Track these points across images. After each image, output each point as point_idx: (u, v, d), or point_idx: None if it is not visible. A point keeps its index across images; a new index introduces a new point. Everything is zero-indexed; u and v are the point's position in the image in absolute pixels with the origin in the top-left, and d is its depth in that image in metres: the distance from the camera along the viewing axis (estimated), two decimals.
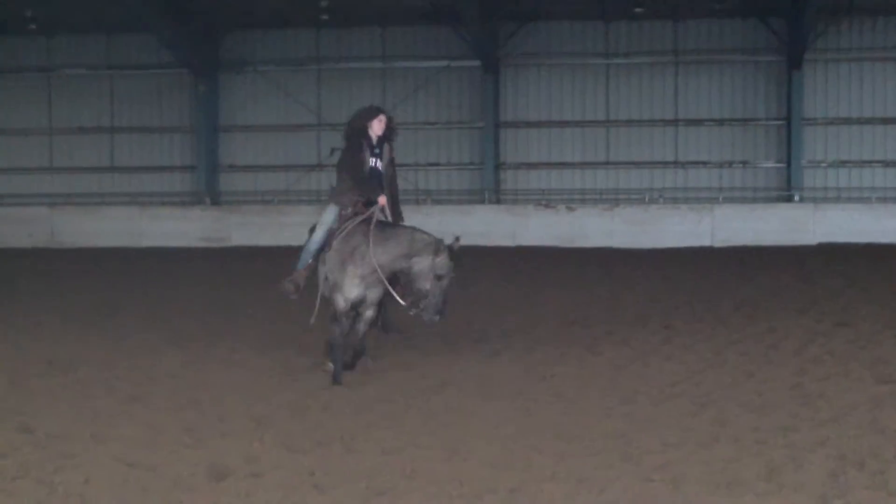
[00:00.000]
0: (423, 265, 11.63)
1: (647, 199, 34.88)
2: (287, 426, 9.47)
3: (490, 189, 36.18)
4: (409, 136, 36.94)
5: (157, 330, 15.63)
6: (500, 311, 17.78)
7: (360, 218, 11.91)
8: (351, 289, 11.73)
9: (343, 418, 9.77)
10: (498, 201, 36.11)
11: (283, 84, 37.81)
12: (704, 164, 35.85)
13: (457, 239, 11.83)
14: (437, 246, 11.66)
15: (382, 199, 12.10)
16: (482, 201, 35.84)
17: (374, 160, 12.35)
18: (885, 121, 35.46)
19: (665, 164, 35.96)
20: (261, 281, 22.55)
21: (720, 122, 36.04)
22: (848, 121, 35.39)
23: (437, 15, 35.20)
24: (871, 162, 35.49)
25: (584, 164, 36.30)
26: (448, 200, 36.12)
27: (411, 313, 11.90)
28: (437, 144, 37.25)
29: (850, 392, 10.81)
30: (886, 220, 32.49)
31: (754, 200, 34.34)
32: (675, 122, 36.17)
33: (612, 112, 36.62)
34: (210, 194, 37.20)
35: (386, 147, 12.65)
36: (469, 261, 26.71)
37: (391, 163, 12.74)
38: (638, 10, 34.88)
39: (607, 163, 36.36)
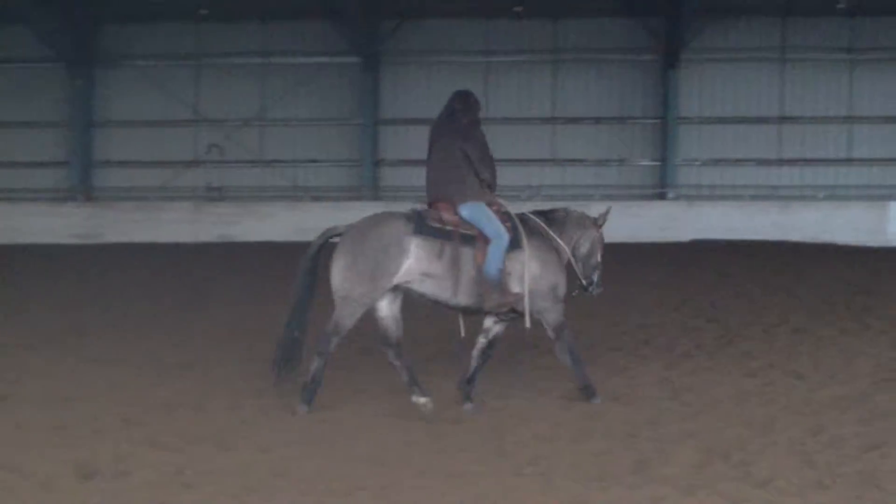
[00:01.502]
0: (595, 238, 11.10)
1: (524, 196, 35.11)
2: (158, 425, 9.34)
3: (369, 186, 36.24)
4: (288, 132, 36.94)
5: (27, 326, 15.38)
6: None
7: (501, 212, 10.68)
8: (564, 285, 10.67)
9: (215, 416, 9.69)
10: (377, 198, 36.07)
11: (160, 79, 37.45)
12: (582, 161, 36.26)
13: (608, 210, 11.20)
14: (591, 217, 11.17)
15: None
16: (361, 198, 35.80)
17: None
18: (759, 120, 36.22)
19: (543, 161, 36.29)
20: (137, 278, 22.39)
21: (597, 120, 36.48)
22: (722, 120, 36.05)
23: (317, 11, 35.12)
24: (744, 160, 36.22)
25: None
26: (327, 197, 36.07)
27: (594, 293, 11.19)
28: (316, 141, 37.21)
29: (717, 386, 11.05)
30: (758, 217, 33.13)
31: (630, 198, 34.78)
32: (552, 120, 36.54)
33: (490, 110, 36.77)
34: (84, 190, 36.65)
35: None
36: None
37: None
38: (517, 8, 35.19)
39: None
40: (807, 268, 23.63)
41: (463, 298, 10.16)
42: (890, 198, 34.54)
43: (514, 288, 10.30)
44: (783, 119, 36.38)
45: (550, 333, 10.51)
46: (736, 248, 28.00)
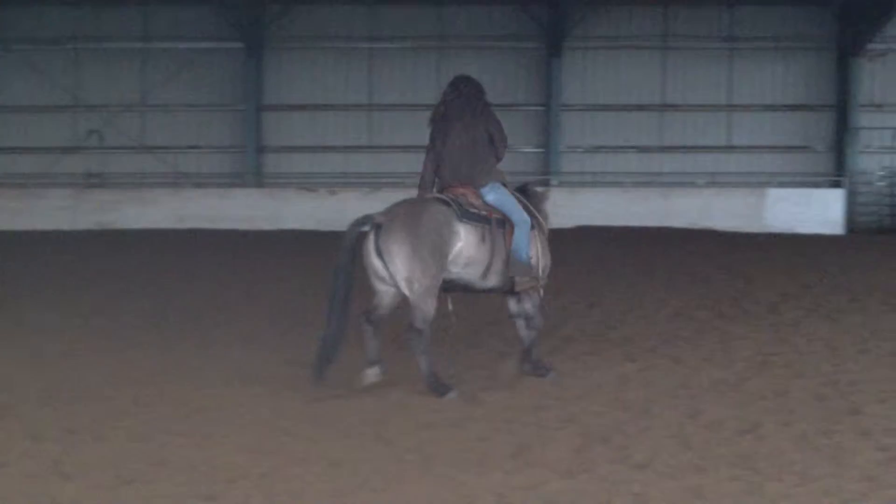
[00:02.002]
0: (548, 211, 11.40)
1: (408, 183, 35.08)
2: (34, 415, 9.16)
3: (252, 172, 36.00)
4: (170, 117, 36.51)
5: None
6: (254, 295, 17.65)
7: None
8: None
9: (93, 406, 9.50)
10: (260, 185, 35.89)
11: (39, 63, 36.75)
12: None
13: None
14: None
15: None
16: (244, 185, 35.58)
17: None
18: (640, 107, 36.68)
19: (426, 148, 36.22)
20: (14, 267, 21.99)
21: None
22: (605, 107, 36.45)
23: None
24: (626, 148, 36.62)
25: (346, 148, 36.45)
26: (209, 184, 35.80)
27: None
28: (197, 127, 36.83)
29: (598, 370, 11.12)
30: (639, 203, 33.53)
31: (512, 183, 34.93)
32: None
33: (375, 96, 36.79)
34: None
35: None
36: (229, 245, 26.50)
37: None
38: None
39: (370, 147, 36.56)
40: (687, 254, 24.02)
41: (491, 281, 10.46)
42: (768, 184, 35.20)
43: (535, 268, 10.69)
44: (664, 107, 36.89)
45: (530, 310, 10.93)
46: (618, 235, 28.30)
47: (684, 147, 36.95)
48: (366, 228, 10.08)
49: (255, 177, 36.00)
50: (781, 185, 35.49)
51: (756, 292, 17.54)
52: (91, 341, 13.12)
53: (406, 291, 9.96)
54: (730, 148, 37.02)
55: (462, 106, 10.82)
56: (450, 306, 10.74)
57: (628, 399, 9.75)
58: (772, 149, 36.99)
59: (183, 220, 33.07)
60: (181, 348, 12.60)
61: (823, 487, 7.10)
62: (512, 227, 10.52)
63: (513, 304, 11.01)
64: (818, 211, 33.77)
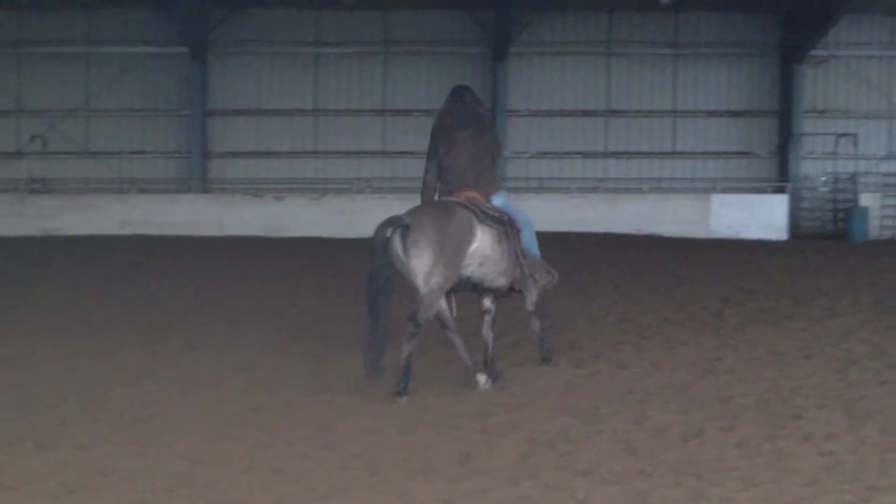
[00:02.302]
0: None
1: (354, 189, 35.16)
2: None
3: (197, 178, 35.82)
4: (114, 123, 36.28)
5: None
6: (200, 302, 17.55)
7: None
8: None
9: (35, 415, 9.42)
10: (205, 190, 35.76)
11: None
12: (412, 154, 36.29)
13: None
14: None
15: None
16: (189, 190, 35.42)
17: None
18: (586, 113, 36.88)
19: (373, 153, 36.37)
20: None
21: (428, 112, 36.52)
22: (550, 113, 36.54)
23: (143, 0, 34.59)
24: (571, 153, 36.76)
25: (292, 154, 36.38)
26: (154, 189, 35.61)
27: None
28: (142, 132, 36.66)
29: (544, 376, 11.16)
30: (585, 209, 33.67)
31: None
32: (383, 112, 36.58)
33: (320, 101, 36.72)
34: None
35: None
36: (174, 251, 26.34)
37: None
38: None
39: (315, 152, 36.49)
40: (632, 259, 24.13)
41: (499, 281, 10.84)
42: (713, 190, 35.44)
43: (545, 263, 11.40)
44: (609, 112, 37.12)
45: (531, 307, 11.54)
46: (563, 241, 28.36)
47: (629, 153, 37.20)
48: (390, 232, 10.19)
49: (200, 182, 35.84)
50: (726, 190, 35.80)
51: (701, 298, 17.65)
52: (35, 349, 12.99)
53: (421, 285, 10.11)
54: (674, 154, 37.31)
55: (467, 116, 11.11)
56: (453, 310, 11.10)
57: (574, 405, 9.77)
58: (716, 154, 37.32)
59: (128, 226, 32.86)
60: (125, 355, 12.49)
61: (766, 493, 7.14)
62: (517, 230, 10.98)
63: (487, 302, 11.30)
64: (762, 216, 34.03)
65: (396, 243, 10.09)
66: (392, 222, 10.17)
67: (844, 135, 36.52)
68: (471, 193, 10.75)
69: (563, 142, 36.68)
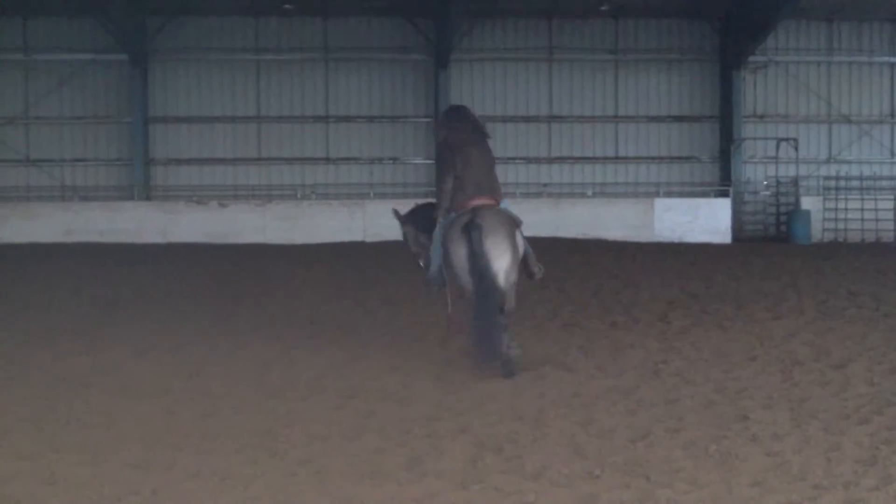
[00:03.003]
0: None
1: (298, 195, 35.09)
2: None
3: (140, 185, 35.57)
4: (54, 130, 35.98)
5: None
6: (146, 309, 17.43)
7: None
8: None
9: None
10: (148, 198, 35.54)
11: None
12: (356, 160, 36.38)
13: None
14: None
15: None
16: (132, 198, 35.17)
17: None
18: (528, 119, 36.99)
19: (316, 160, 36.27)
20: None
21: (370, 119, 36.63)
22: (493, 119, 36.54)
23: (82, 6, 34.28)
24: (514, 159, 36.84)
25: (235, 160, 36.24)
26: (96, 197, 35.29)
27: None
28: (83, 139, 36.32)
29: (492, 380, 11.13)
30: (529, 214, 33.26)
31: (404, 195, 34.94)
32: (325, 119, 36.51)
33: (262, 108, 36.61)
34: None
35: None
36: (118, 259, 26.14)
37: None
38: (287, 6, 35.16)
39: (259, 159, 36.38)
40: (577, 263, 24.19)
41: (514, 274, 11.58)
42: (656, 194, 35.68)
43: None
44: (552, 118, 37.23)
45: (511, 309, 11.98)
46: None
47: (573, 158, 37.35)
48: (468, 232, 11.31)
49: (143, 190, 35.58)
50: (669, 194, 36.08)
51: (646, 301, 17.76)
52: None
53: (502, 282, 11.25)
54: (617, 159, 37.50)
55: (473, 131, 12.30)
56: (449, 308, 12.15)
57: (521, 408, 9.78)
58: (659, 159, 37.56)
59: (71, 233, 32.58)
60: (71, 363, 12.38)
61: (714, 493, 7.18)
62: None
63: None
64: (705, 220, 34.24)
65: (463, 244, 11.26)
66: (465, 218, 11.42)
67: (785, 139, 36.83)
68: (488, 200, 11.84)
69: (507, 147, 36.67)
